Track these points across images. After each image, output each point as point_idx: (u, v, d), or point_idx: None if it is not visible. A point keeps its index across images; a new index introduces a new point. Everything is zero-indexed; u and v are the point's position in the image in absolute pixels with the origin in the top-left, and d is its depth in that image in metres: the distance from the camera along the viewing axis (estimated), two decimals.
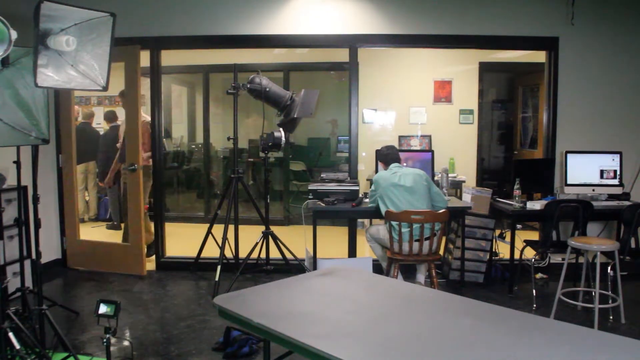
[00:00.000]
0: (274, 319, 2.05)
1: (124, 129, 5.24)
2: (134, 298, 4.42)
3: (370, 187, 4.39)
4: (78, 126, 6.79)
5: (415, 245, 3.94)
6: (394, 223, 3.94)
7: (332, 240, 5.77)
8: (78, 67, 2.67)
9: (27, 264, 4.14)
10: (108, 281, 4.83)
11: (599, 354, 1.77)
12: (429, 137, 6.82)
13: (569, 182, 4.70)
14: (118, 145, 5.78)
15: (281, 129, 4.61)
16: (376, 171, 4.82)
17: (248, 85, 4.41)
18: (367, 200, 4.44)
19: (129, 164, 4.95)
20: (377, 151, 4.62)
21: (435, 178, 4.98)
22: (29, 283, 3.97)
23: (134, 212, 5.02)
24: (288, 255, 4.70)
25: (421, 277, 4.42)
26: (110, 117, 7.03)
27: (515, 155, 7.73)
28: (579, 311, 4.10)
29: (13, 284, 3.66)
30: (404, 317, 2.12)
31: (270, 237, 4.70)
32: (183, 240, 6.00)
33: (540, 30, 4.90)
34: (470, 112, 6.89)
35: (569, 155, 4.72)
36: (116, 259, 5.08)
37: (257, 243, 4.68)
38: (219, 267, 4.40)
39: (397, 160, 4.28)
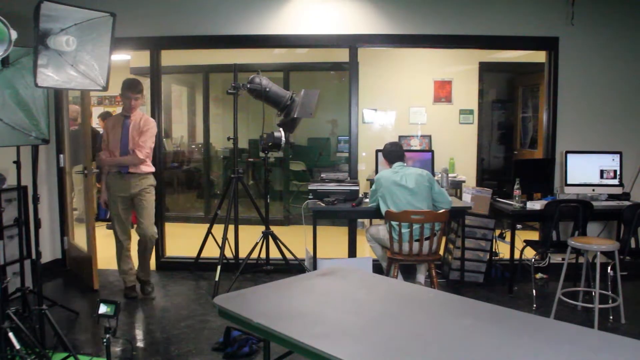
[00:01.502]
0: (274, 319, 2.05)
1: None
2: (134, 298, 4.42)
3: (371, 187, 4.37)
4: (78, 127, 6.79)
5: (415, 245, 3.94)
6: (394, 223, 3.94)
7: (332, 240, 5.77)
8: (78, 67, 2.67)
9: (27, 264, 4.14)
10: (108, 281, 4.83)
11: (599, 354, 1.77)
12: (429, 137, 6.82)
13: (569, 182, 4.70)
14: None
15: (281, 129, 4.61)
16: (376, 171, 4.82)
17: (248, 85, 4.41)
18: (367, 200, 4.43)
19: (82, 168, 4.59)
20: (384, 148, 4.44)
21: (435, 178, 4.98)
22: (29, 283, 3.97)
23: (87, 220, 4.59)
24: (288, 255, 4.70)
25: (421, 277, 4.42)
26: (106, 117, 7.04)
27: (515, 155, 7.73)
28: (579, 311, 4.10)
29: (13, 284, 3.67)
30: (404, 317, 2.12)
31: (270, 237, 4.70)
32: (183, 240, 6.00)
33: (540, 30, 4.90)
34: (470, 112, 6.89)
35: (569, 155, 4.72)
36: (81, 267, 4.83)
37: (257, 243, 4.68)
38: (219, 267, 4.40)
39: (401, 158, 4.25)
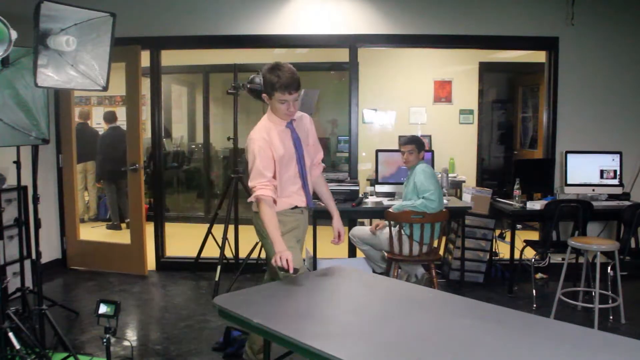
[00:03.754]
0: (274, 319, 2.05)
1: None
2: (134, 298, 4.42)
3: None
4: (76, 126, 6.78)
5: (416, 245, 3.94)
6: (404, 225, 3.92)
7: None
8: (78, 67, 2.67)
9: (27, 264, 4.14)
10: (108, 281, 4.83)
11: (599, 354, 1.77)
12: (429, 137, 6.82)
13: (569, 182, 4.70)
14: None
15: None
16: (376, 171, 4.82)
17: (248, 85, 4.40)
18: (367, 200, 4.39)
19: (130, 164, 4.90)
20: (413, 138, 4.28)
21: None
22: (29, 283, 3.97)
23: (135, 213, 5.02)
24: None
25: (420, 269, 4.37)
26: (110, 118, 7.02)
27: (515, 155, 7.73)
28: (579, 311, 4.10)
29: (13, 284, 3.67)
30: (404, 317, 2.12)
31: None
32: (183, 240, 5.99)
33: (540, 30, 4.90)
34: (470, 112, 6.89)
35: (569, 155, 4.71)
36: (117, 258, 5.09)
37: (257, 243, 4.67)
38: (219, 267, 4.40)
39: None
